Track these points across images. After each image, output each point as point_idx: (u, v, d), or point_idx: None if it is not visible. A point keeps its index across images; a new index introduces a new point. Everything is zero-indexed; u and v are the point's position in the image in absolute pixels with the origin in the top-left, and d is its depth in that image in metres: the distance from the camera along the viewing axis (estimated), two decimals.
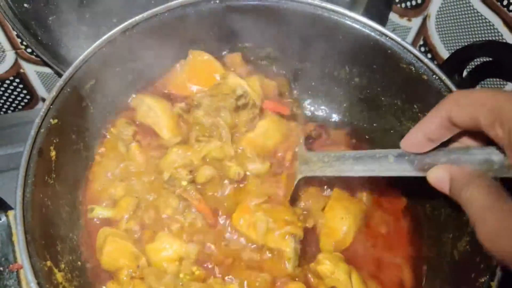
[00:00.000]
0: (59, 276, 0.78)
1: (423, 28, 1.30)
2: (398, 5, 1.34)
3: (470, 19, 1.12)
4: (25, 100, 1.53)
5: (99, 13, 1.21)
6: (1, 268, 0.74)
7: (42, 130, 0.85)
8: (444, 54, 1.23)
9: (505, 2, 1.00)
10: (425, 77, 0.94)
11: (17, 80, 1.44)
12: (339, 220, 0.94)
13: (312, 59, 1.16)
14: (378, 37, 1.00)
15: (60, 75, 1.33)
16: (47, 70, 1.43)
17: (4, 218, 0.79)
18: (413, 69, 0.96)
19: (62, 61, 1.21)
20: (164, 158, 0.96)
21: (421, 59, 0.94)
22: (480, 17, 1.08)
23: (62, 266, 0.82)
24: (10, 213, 0.80)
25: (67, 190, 0.93)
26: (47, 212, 0.84)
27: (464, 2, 1.12)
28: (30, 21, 1.17)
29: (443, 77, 0.91)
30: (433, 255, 0.93)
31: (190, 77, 1.10)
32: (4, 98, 1.49)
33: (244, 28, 1.08)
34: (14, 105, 1.53)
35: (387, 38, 0.99)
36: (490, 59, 0.97)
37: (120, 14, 1.18)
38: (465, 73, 1.02)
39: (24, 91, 1.49)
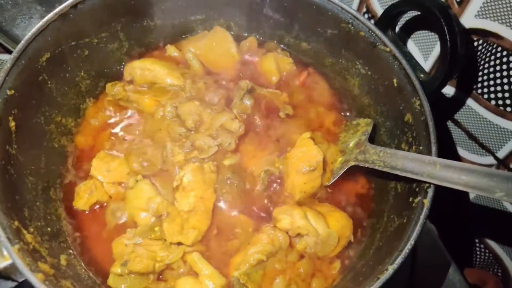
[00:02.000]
0: (28, 237, 0.81)
1: None
2: None
3: None
4: None
5: None
6: None
7: None
8: None
9: None
10: (362, 33, 1.03)
11: None
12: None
13: (262, 28, 1.23)
14: (318, 1, 1.08)
15: None
16: (2, 56, 1.40)
17: None
18: (352, 27, 1.05)
19: (17, 41, 1.19)
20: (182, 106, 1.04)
21: (357, 18, 1.03)
22: None
23: (31, 229, 0.84)
24: None
25: (30, 161, 0.95)
26: (11, 179, 0.86)
27: None
28: None
29: (378, 32, 1.00)
30: (379, 192, 1.03)
31: (206, 49, 1.19)
32: None
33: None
34: None
35: (327, 1, 1.07)
36: (419, 13, 1.07)
37: None
38: (397, 29, 1.12)
39: None
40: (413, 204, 0.84)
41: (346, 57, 1.12)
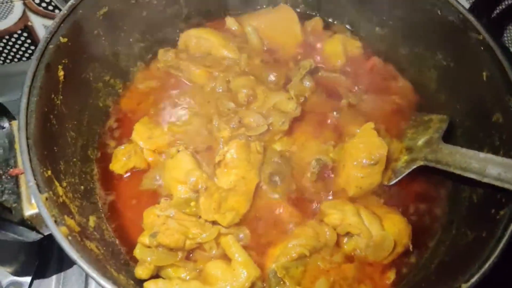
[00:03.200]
0: (59, 190, 0.76)
1: None
2: None
3: None
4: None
5: None
6: (1, 172, 0.72)
7: (50, 46, 0.83)
8: None
9: None
10: (451, 18, 0.90)
11: (25, 34, 1.33)
12: None
13: (331, 7, 1.13)
14: None
15: None
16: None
17: (7, 126, 0.77)
18: (439, 11, 0.92)
19: None
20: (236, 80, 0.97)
21: (448, 0, 0.90)
22: None
23: (64, 184, 0.79)
24: (14, 123, 0.78)
25: (74, 115, 0.91)
26: (52, 130, 0.82)
27: None
28: None
29: (471, 17, 0.87)
30: (448, 200, 0.89)
31: (268, 26, 1.11)
32: (13, 53, 1.38)
33: None
34: (22, 61, 1.41)
35: None
36: None
37: None
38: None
39: (32, 47, 1.38)
40: (497, 217, 0.70)
41: (426, 45, 0.99)
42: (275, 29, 1.11)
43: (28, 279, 0.92)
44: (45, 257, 0.96)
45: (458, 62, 0.92)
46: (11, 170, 0.72)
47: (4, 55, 1.38)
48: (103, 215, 0.87)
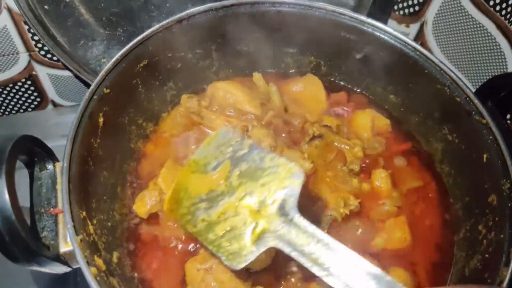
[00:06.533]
0: (91, 228, 0.84)
1: (420, 34, 1.35)
2: (397, 13, 1.39)
3: (465, 23, 1.17)
4: (35, 103, 1.52)
5: (117, 15, 1.26)
6: (43, 210, 0.82)
7: (95, 97, 0.93)
8: (441, 57, 1.25)
9: (497, 8, 1.06)
10: (458, 99, 0.97)
11: (29, 82, 1.43)
12: None
13: (351, 72, 1.22)
14: (417, 57, 1.04)
15: (78, 77, 1.40)
16: (59, 72, 1.43)
17: (51, 168, 0.87)
18: (448, 91, 0.99)
19: (78, 62, 1.24)
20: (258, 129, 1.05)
21: (456, 82, 0.98)
22: (473, 22, 1.13)
23: (95, 221, 0.88)
24: (58, 165, 0.88)
25: (108, 156, 1.00)
26: (88, 171, 0.91)
27: (458, 7, 1.17)
28: (50, 23, 1.20)
29: (476, 101, 0.94)
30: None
31: (293, 89, 1.21)
32: (15, 99, 1.47)
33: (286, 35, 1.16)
34: (24, 107, 1.51)
35: (426, 59, 1.03)
36: None
37: (138, 18, 1.28)
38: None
39: (35, 93, 1.48)
40: None
41: (434, 119, 1.07)
42: (301, 93, 1.21)
43: None
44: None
45: (462, 139, 0.99)
46: (52, 209, 0.82)
47: (7, 101, 1.48)
48: (125, 251, 0.96)
